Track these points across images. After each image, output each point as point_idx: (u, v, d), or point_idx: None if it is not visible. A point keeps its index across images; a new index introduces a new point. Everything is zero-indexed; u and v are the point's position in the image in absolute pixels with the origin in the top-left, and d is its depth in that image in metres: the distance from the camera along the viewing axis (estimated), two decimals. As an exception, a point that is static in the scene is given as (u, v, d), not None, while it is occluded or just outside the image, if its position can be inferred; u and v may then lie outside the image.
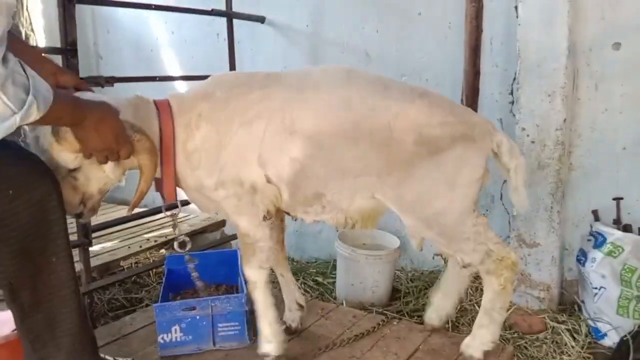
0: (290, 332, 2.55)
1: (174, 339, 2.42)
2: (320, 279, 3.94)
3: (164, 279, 2.78)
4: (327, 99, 2.08)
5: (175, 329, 2.42)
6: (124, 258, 3.88)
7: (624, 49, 3.12)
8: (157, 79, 3.72)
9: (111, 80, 3.07)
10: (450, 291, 2.55)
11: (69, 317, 1.91)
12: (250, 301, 2.59)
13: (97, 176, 1.99)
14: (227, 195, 2.10)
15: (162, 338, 2.41)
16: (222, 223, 4.56)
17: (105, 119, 1.78)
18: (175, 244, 2.44)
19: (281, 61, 4.39)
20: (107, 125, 1.78)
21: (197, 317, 2.42)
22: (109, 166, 1.93)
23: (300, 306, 2.62)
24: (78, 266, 2.69)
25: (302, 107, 2.07)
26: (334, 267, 3.94)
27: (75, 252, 2.40)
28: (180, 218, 4.66)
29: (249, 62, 4.48)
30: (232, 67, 3.99)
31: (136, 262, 4.14)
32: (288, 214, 2.32)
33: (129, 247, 3.96)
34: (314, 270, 4.08)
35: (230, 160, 2.07)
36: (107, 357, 2.16)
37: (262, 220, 2.17)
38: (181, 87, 4.76)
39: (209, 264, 2.91)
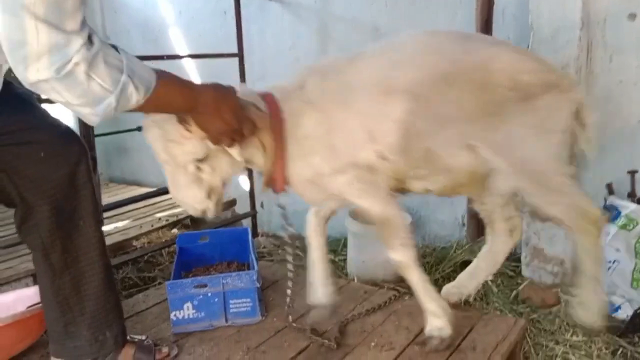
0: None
1: (186, 316, 2.43)
2: (331, 257, 3.95)
3: (175, 257, 2.79)
4: (415, 48, 2.07)
5: (188, 306, 2.43)
6: (136, 237, 3.93)
7: (639, 20, 3.04)
8: (165, 57, 3.71)
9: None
10: (478, 272, 2.54)
11: (95, 280, 1.97)
12: (260, 277, 2.62)
13: (222, 165, 1.94)
14: (348, 179, 2.02)
15: (175, 315, 2.43)
16: (233, 202, 4.56)
17: (222, 98, 1.72)
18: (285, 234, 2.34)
19: (289, 38, 4.34)
20: (226, 105, 1.71)
21: (209, 294, 2.43)
22: (236, 150, 1.86)
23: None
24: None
25: (391, 66, 2.02)
26: (345, 244, 3.94)
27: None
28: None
29: (257, 39, 4.45)
30: (240, 45, 3.96)
31: (148, 242, 4.19)
32: (402, 190, 2.21)
33: (140, 227, 4.00)
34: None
35: (342, 144, 1.99)
36: None
37: (389, 198, 2.08)
38: (190, 65, 4.76)
39: (220, 241, 2.93)
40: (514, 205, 2.43)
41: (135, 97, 1.46)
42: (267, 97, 2.00)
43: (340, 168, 2.00)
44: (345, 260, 3.81)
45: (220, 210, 2.06)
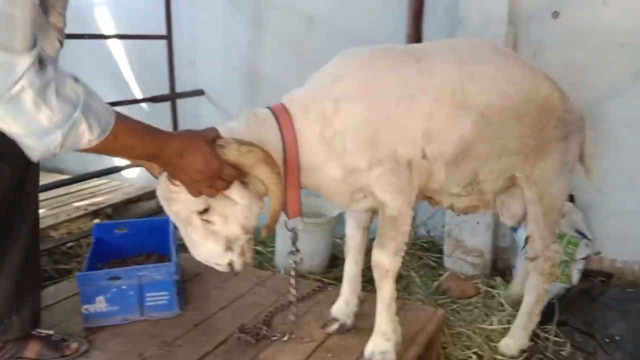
0: (346, 330, 2.34)
1: (98, 310, 2.32)
2: (260, 248, 3.89)
3: (90, 248, 2.66)
4: (492, 72, 2.03)
5: (100, 300, 2.32)
6: (55, 227, 3.72)
7: (562, 18, 3.15)
8: (86, 36, 3.51)
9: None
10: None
11: (15, 259, 1.93)
12: (180, 270, 2.54)
13: (236, 212, 1.75)
14: (384, 172, 1.91)
15: (87, 309, 2.31)
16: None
17: (189, 146, 1.56)
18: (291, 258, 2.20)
19: (222, 24, 4.22)
20: (192, 153, 1.55)
21: (124, 287, 2.33)
22: (236, 194, 1.71)
23: (359, 302, 2.43)
24: None
25: (471, 81, 1.97)
26: (274, 236, 3.89)
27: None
28: (113, 187, 4.54)
29: (187, 23, 4.29)
30: (169, 27, 3.82)
31: (68, 232, 3.99)
32: (430, 199, 2.20)
33: (57, 216, 3.79)
34: (254, 239, 4.00)
35: (388, 136, 1.89)
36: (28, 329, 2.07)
37: (412, 201, 2.00)
38: (117, 47, 4.56)
39: (139, 232, 2.82)
40: None
41: (87, 136, 1.31)
42: (280, 114, 1.86)
43: (378, 160, 1.91)
44: (273, 252, 3.76)
45: (249, 260, 1.90)
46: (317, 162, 1.90)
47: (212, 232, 1.76)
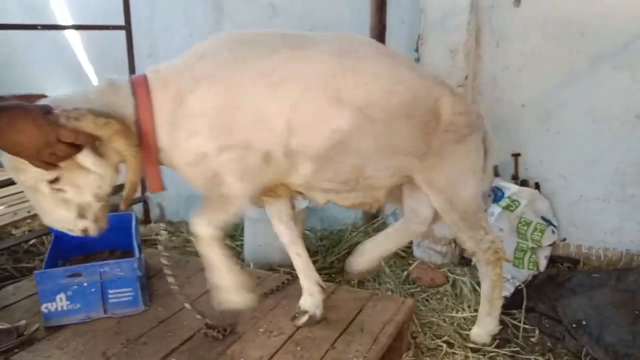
0: (316, 322, 2.30)
1: (59, 308, 2.24)
2: (228, 242, 3.84)
3: (50, 245, 2.57)
4: (377, 69, 1.94)
5: (61, 297, 2.24)
6: (15, 225, 3.59)
7: (524, 6, 3.16)
8: (39, 27, 3.38)
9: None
10: (386, 244, 2.52)
11: None
12: (144, 266, 2.47)
13: (87, 181, 1.73)
14: (230, 158, 1.84)
15: (46, 307, 2.23)
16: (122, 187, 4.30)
17: (15, 114, 1.50)
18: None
19: (182, 13, 4.13)
20: (22, 120, 1.50)
21: (85, 284, 2.26)
22: (90, 163, 1.67)
23: (322, 288, 2.36)
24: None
25: (349, 75, 1.89)
26: (243, 229, 3.84)
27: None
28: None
29: (146, 13, 4.18)
30: (127, 17, 3.69)
31: (29, 230, 3.87)
32: (299, 193, 2.13)
33: (15, 214, 3.66)
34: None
35: (244, 122, 1.82)
36: None
37: (253, 193, 1.94)
38: (74, 38, 4.42)
39: (102, 228, 2.73)
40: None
41: None
42: (137, 85, 1.79)
43: (228, 146, 1.84)
44: (242, 246, 3.71)
45: (104, 225, 1.88)
46: (168, 143, 1.84)
47: (63, 200, 1.75)
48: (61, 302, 2.24)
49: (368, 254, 2.49)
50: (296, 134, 1.85)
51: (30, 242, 3.59)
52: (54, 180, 1.70)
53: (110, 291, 2.30)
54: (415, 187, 2.24)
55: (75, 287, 2.24)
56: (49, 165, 1.60)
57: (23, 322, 2.16)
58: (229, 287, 1.99)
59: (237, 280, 2.00)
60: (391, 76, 1.97)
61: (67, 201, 1.75)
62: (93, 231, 1.84)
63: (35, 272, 2.23)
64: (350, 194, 2.13)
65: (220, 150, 1.83)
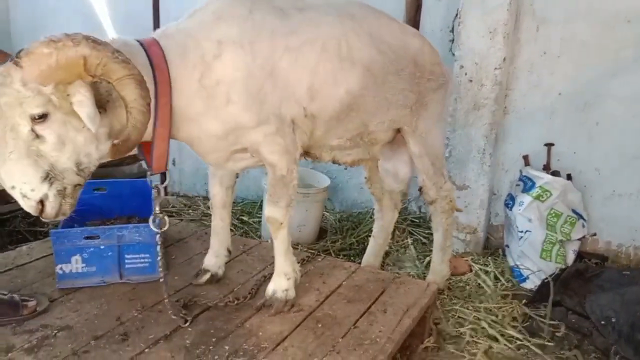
0: (214, 280, 2.30)
1: (74, 270, 2.18)
2: (245, 218, 3.77)
3: (67, 206, 2.50)
4: (367, 29, 2.04)
5: (77, 259, 2.18)
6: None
7: (567, -7, 3.02)
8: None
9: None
10: (378, 249, 2.85)
11: None
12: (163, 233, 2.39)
13: (76, 139, 1.49)
14: (270, 132, 1.81)
15: (61, 268, 2.17)
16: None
17: None
18: (151, 221, 1.94)
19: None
20: None
21: (102, 247, 2.19)
22: (86, 114, 1.43)
23: (229, 252, 2.39)
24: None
25: (353, 36, 1.96)
26: (261, 207, 3.77)
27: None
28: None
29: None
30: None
31: (45, 194, 3.80)
32: (307, 153, 2.17)
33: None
34: (240, 209, 3.88)
35: (274, 92, 1.77)
36: None
37: (297, 159, 1.97)
38: (98, 2, 4.33)
39: (119, 194, 2.67)
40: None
41: None
42: (153, 52, 1.67)
43: (265, 118, 1.79)
44: (259, 222, 3.64)
45: (68, 210, 1.56)
46: (195, 114, 1.74)
47: (36, 153, 1.45)
48: (77, 263, 2.18)
49: (373, 262, 2.81)
50: (315, 100, 1.89)
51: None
52: (40, 118, 1.42)
53: (127, 256, 2.23)
54: (392, 151, 2.43)
55: (92, 249, 2.18)
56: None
57: (33, 301, 1.98)
58: (288, 273, 2.11)
59: (295, 267, 2.17)
60: (383, 35, 2.09)
61: (41, 155, 1.46)
62: (50, 208, 1.51)
63: (51, 230, 2.17)
64: (353, 150, 2.26)
65: (258, 123, 1.79)
